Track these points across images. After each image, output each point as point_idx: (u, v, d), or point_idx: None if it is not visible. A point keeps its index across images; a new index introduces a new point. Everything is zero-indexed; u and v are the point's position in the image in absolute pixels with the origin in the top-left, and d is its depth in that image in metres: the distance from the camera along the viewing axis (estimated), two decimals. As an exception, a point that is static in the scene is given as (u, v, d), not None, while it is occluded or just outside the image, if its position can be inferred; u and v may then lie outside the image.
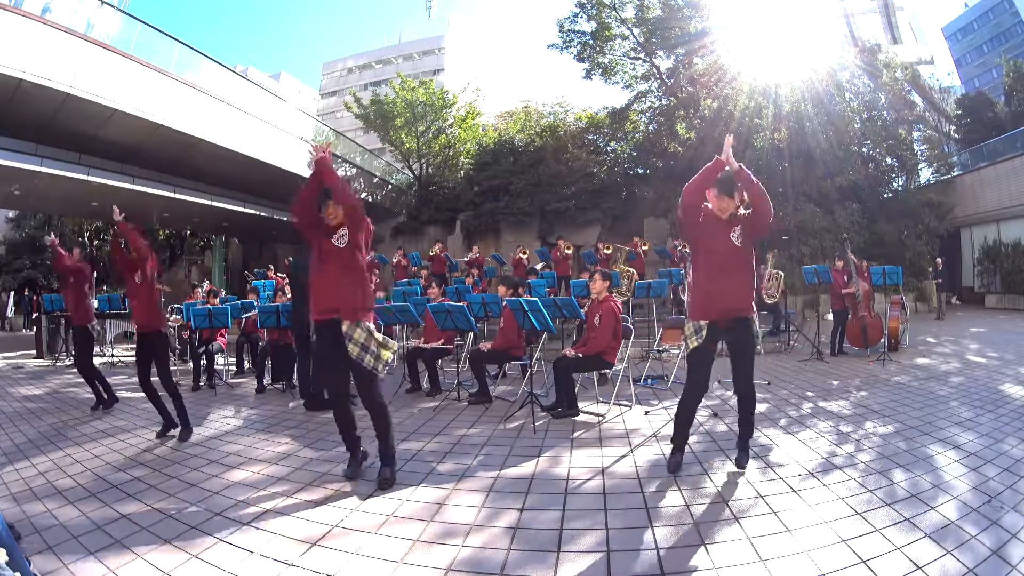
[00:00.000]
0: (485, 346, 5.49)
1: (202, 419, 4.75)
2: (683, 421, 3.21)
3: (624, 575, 2.14)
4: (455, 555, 2.30)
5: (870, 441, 3.66)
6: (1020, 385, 5.23)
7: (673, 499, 2.81)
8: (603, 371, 4.83)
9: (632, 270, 9.24)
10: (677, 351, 5.70)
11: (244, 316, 7.30)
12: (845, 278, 7.74)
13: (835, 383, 5.75)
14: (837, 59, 15.91)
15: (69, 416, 4.96)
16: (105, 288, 16.21)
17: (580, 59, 17.17)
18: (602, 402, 4.89)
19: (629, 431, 4.07)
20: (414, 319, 6.06)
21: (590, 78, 17.40)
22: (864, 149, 16.34)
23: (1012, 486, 2.81)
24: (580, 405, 4.65)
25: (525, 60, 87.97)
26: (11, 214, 25.38)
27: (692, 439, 3.84)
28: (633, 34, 16.47)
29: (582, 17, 16.69)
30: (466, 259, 12.12)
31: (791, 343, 8.35)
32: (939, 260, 13.81)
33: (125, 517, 2.70)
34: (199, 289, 9.16)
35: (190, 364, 6.86)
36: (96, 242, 25.93)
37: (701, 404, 4.83)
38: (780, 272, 8.35)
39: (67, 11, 9.68)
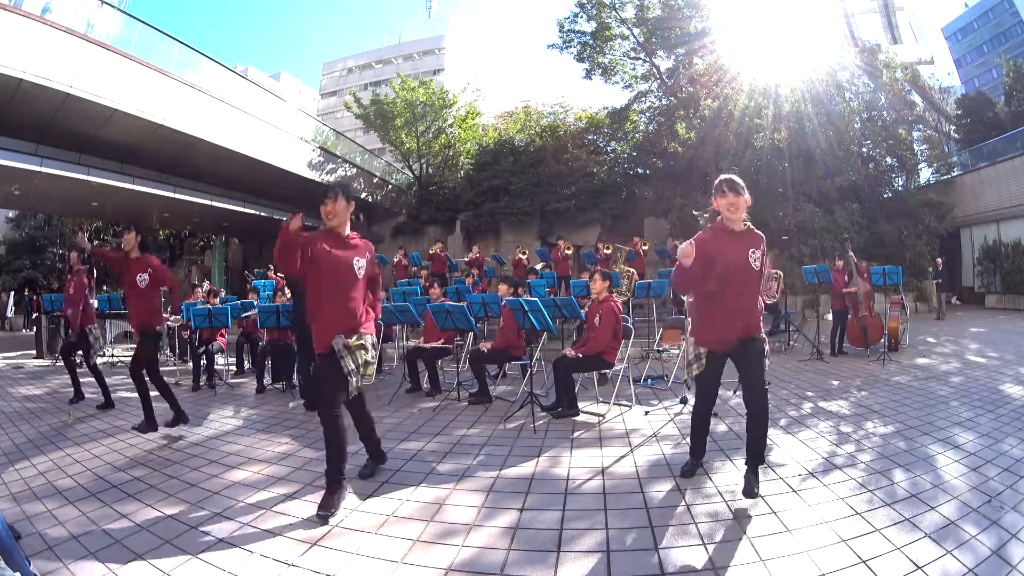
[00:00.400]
0: (485, 346, 5.49)
1: (202, 419, 4.76)
2: (697, 428, 3.08)
3: (624, 575, 2.14)
4: (455, 555, 2.30)
5: (870, 441, 3.66)
6: (1020, 385, 5.23)
7: (673, 499, 2.81)
8: (603, 371, 4.83)
9: (632, 270, 9.24)
10: (677, 351, 5.71)
11: (244, 316, 7.30)
12: (845, 278, 7.74)
13: (835, 383, 5.75)
14: (837, 59, 15.91)
15: (69, 416, 4.95)
16: (105, 288, 16.20)
17: (580, 59, 17.16)
18: (602, 402, 4.89)
19: (629, 431, 4.07)
20: (414, 319, 6.06)
21: (590, 78, 17.40)
22: (864, 149, 16.34)
23: (1012, 486, 2.81)
24: (580, 405, 4.65)
25: (525, 60, 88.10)
26: (11, 214, 25.36)
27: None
28: (633, 34, 16.47)
29: (582, 17, 16.68)
30: (466, 259, 12.12)
31: (791, 343, 8.36)
32: (939, 260, 13.81)
33: (125, 517, 2.70)
34: (199, 289, 9.17)
35: (190, 364, 6.86)
36: (96, 242, 25.93)
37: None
38: (780, 272, 8.35)
39: (67, 11, 9.68)
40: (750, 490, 2.71)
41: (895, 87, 16.76)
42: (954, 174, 18.01)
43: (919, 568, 2.07)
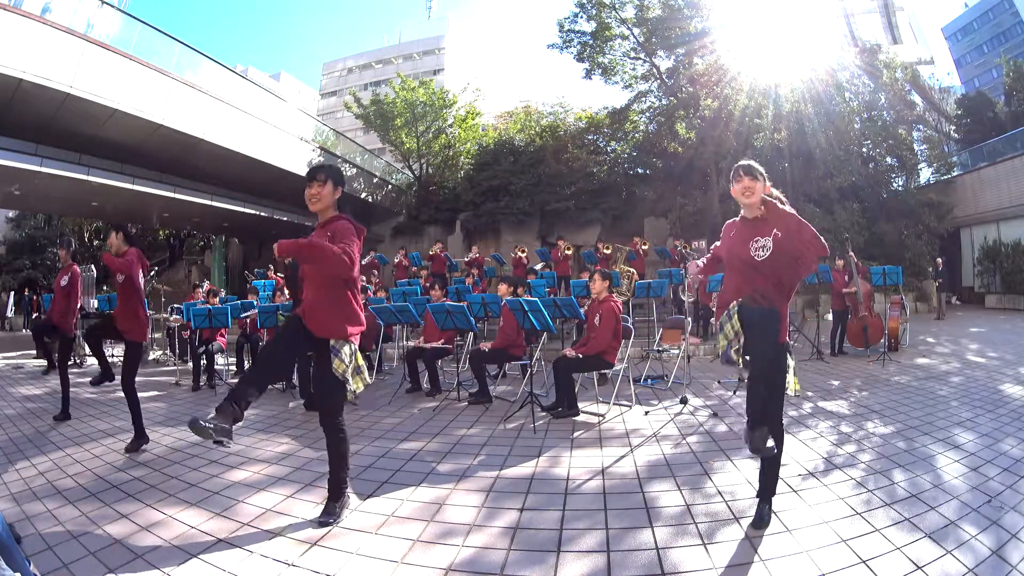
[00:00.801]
0: (485, 346, 5.50)
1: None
2: (753, 399, 2.55)
3: (624, 575, 2.14)
4: (455, 555, 2.30)
5: (870, 441, 3.66)
6: (1020, 385, 5.23)
7: (673, 499, 2.81)
8: (603, 371, 4.83)
9: (632, 270, 9.25)
10: (677, 351, 5.71)
11: (244, 316, 7.29)
12: (845, 278, 7.75)
13: (835, 383, 5.75)
14: (837, 59, 15.91)
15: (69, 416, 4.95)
16: (105, 288, 16.20)
17: (580, 59, 17.16)
18: (602, 402, 4.89)
19: (629, 431, 4.07)
20: (414, 319, 6.06)
21: (590, 78, 17.40)
22: (864, 149, 16.34)
23: (1012, 486, 2.81)
24: (580, 405, 4.65)
25: (525, 60, 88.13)
26: (11, 214, 25.36)
27: (692, 439, 3.85)
28: (633, 34, 16.47)
29: (582, 17, 16.68)
30: (466, 259, 12.12)
31: (791, 343, 8.35)
32: (939, 260, 13.80)
33: (125, 517, 2.70)
34: (199, 289, 9.16)
35: (190, 364, 6.86)
36: (96, 242, 25.93)
37: (702, 403, 4.86)
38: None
39: (67, 11, 9.69)
40: (759, 521, 2.47)
41: (895, 87, 16.76)
42: (954, 174, 18.00)
43: (919, 568, 2.07)
